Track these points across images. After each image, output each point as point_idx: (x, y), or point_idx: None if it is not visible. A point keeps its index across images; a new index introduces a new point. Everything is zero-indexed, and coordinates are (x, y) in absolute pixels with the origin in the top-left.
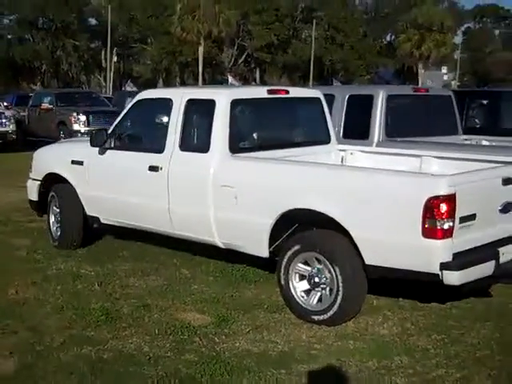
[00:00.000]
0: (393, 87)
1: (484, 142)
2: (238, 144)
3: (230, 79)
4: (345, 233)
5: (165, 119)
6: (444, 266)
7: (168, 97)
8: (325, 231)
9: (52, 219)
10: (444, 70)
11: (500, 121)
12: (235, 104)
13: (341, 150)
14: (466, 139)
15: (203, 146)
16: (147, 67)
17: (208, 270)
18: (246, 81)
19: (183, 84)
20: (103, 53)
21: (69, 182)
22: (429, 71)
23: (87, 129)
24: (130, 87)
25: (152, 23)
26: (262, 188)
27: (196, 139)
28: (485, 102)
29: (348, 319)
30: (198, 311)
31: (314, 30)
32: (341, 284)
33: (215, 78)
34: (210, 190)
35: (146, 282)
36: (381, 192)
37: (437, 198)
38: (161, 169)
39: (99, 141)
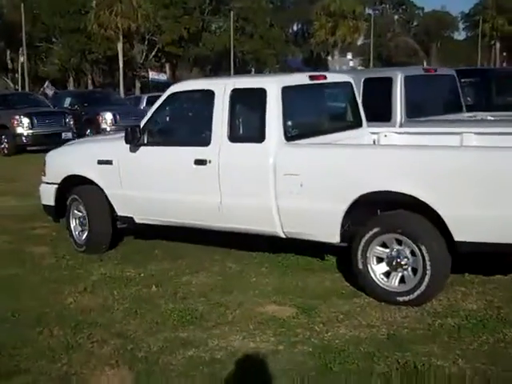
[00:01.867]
0: (406, 69)
1: (489, 118)
2: (291, 131)
3: (151, 74)
4: (427, 212)
5: (207, 111)
6: None
7: (208, 88)
8: (406, 212)
9: (73, 224)
10: (349, 56)
11: (490, 97)
12: (285, 91)
13: (373, 133)
14: (471, 116)
15: (257, 136)
16: (54, 67)
17: (253, 261)
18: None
19: (95, 83)
20: (8, 53)
21: (95, 183)
22: (336, 58)
23: (31, 131)
24: (49, 89)
25: (57, 21)
26: (332, 174)
27: (247, 129)
28: (474, 80)
29: (432, 298)
30: (276, 303)
31: (232, 20)
32: (428, 263)
33: (127, 75)
34: (270, 179)
35: (200, 279)
36: (472, 168)
37: None
38: (209, 162)
39: (134, 137)
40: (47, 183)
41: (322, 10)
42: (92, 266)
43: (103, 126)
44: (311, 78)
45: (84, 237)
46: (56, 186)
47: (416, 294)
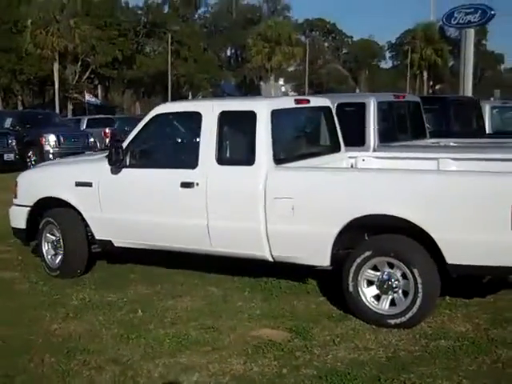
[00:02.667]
0: (378, 95)
1: (452, 144)
2: (279, 155)
3: (88, 96)
4: (420, 236)
5: (193, 133)
6: None
7: (195, 110)
8: (398, 236)
9: (46, 247)
10: (281, 81)
11: (448, 124)
12: (274, 114)
13: (350, 157)
14: (434, 142)
15: (246, 159)
16: None
17: (234, 285)
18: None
19: (24, 104)
20: None
21: (71, 206)
22: (270, 83)
23: None
24: None
25: None
26: (325, 197)
27: (236, 152)
28: (433, 107)
29: (423, 320)
30: (268, 327)
31: (169, 43)
32: (420, 286)
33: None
34: (260, 202)
35: (185, 303)
36: (467, 193)
37: None
38: (197, 184)
39: (117, 159)
40: (18, 205)
41: (258, 35)
42: (69, 291)
43: (46, 147)
44: (296, 101)
45: (58, 261)
46: (28, 208)
47: (408, 316)
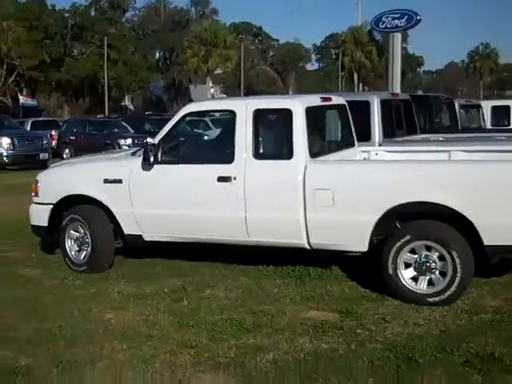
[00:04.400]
0: (380, 93)
1: (440, 138)
2: (313, 149)
3: (22, 99)
4: (456, 221)
5: (228, 130)
6: None
7: (228, 108)
8: (435, 221)
9: (69, 244)
10: (210, 83)
11: (431, 121)
12: (307, 111)
13: (363, 151)
14: (425, 138)
15: (284, 154)
16: None
17: (263, 274)
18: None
19: None
20: None
21: (97, 202)
22: (197, 85)
23: None
24: None
25: None
26: (365, 188)
27: (273, 147)
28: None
29: (459, 298)
30: (316, 309)
31: (105, 48)
32: (459, 266)
33: None
34: (299, 194)
35: (222, 292)
36: (499, 179)
37: None
38: (234, 178)
39: (152, 156)
40: (40, 203)
41: (194, 38)
42: (104, 285)
43: (0, 150)
44: (322, 99)
45: (83, 256)
46: (51, 206)
47: (447, 294)
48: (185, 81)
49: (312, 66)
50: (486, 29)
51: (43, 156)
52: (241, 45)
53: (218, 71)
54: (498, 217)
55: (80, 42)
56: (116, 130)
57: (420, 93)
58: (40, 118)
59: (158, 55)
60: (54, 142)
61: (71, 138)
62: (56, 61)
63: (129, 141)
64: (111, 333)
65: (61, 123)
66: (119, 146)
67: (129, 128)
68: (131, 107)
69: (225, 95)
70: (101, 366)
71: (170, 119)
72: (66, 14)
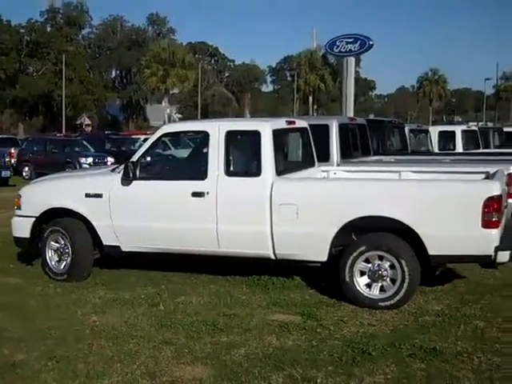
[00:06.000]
0: (338, 117)
1: (392, 160)
2: (279, 167)
3: None
4: (405, 233)
5: (202, 149)
6: (498, 249)
7: (202, 129)
8: (387, 233)
9: (49, 254)
10: (164, 103)
11: (384, 144)
12: (274, 133)
13: (323, 171)
14: (378, 159)
15: (253, 171)
16: None
17: (230, 283)
18: None
19: None
20: None
21: (77, 215)
22: (153, 105)
23: None
24: None
25: None
26: (325, 202)
27: (243, 165)
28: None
29: (407, 302)
30: (280, 313)
31: (64, 66)
32: (407, 274)
33: None
34: (266, 208)
35: (196, 299)
36: (447, 196)
37: (492, 197)
38: (207, 193)
39: (133, 173)
40: (22, 216)
41: (152, 57)
42: (85, 292)
43: None
44: (287, 122)
45: (63, 266)
46: (33, 218)
47: (396, 299)
48: (141, 100)
49: (267, 87)
50: (435, 55)
51: (5, 174)
52: (198, 65)
53: (175, 91)
54: (440, 229)
55: (36, 58)
56: (77, 148)
57: (372, 117)
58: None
59: (114, 74)
60: (13, 160)
61: (31, 156)
62: (10, 77)
63: (90, 159)
64: (97, 333)
65: (19, 141)
66: (80, 165)
67: (89, 147)
68: (88, 128)
69: (180, 115)
70: (92, 360)
71: (129, 139)
72: (22, 30)
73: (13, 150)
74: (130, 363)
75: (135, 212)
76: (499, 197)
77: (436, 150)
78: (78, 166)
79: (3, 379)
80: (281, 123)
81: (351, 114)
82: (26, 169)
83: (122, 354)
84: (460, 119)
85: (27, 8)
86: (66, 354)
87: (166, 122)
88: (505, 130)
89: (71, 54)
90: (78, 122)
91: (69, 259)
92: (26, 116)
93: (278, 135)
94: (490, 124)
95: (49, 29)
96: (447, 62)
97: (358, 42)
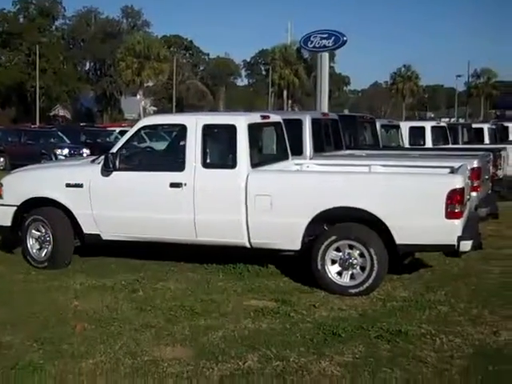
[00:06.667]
0: (312, 113)
1: (363, 154)
2: (254, 160)
3: None
4: (374, 223)
5: (180, 142)
6: (460, 238)
7: (180, 122)
8: (357, 224)
9: (30, 242)
10: (139, 95)
11: (355, 138)
12: (249, 127)
13: (296, 164)
14: (350, 153)
15: (229, 163)
16: None
17: (208, 271)
18: None
19: None
20: None
21: (59, 205)
22: (128, 97)
23: None
24: None
25: None
26: (298, 194)
27: (219, 158)
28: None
29: (376, 289)
30: (255, 299)
31: (37, 56)
32: (376, 262)
33: None
34: (241, 199)
35: (173, 285)
36: (413, 188)
37: (455, 190)
38: (185, 185)
39: (112, 163)
40: (3, 205)
41: (126, 50)
42: (65, 279)
43: None
44: (262, 117)
45: (44, 254)
46: (15, 207)
47: (365, 286)
48: (115, 92)
49: (242, 81)
50: (407, 52)
51: None
52: (173, 58)
53: (149, 84)
54: (406, 220)
55: (8, 49)
56: (52, 140)
57: (346, 112)
58: None
59: (88, 65)
60: None
61: (6, 146)
62: None
63: (65, 151)
64: (79, 316)
65: None
66: (56, 156)
67: (65, 138)
68: (68, 116)
69: (155, 108)
70: (75, 341)
71: (104, 131)
72: None
73: None
74: (112, 344)
75: (115, 202)
76: (462, 189)
77: (407, 145)
78: (53, 158)
79: None
80: (256, 117)
81: (325, 108)
82: (1, 159)
83: (105, 335)
84: (432, 115)
85: None
86: (51, 336)
87: (141, 114)
88: (473, 126)
89: (45, 44)
90: (51, 114)
91: (50, 247)
92: None
93: (253, 129)
94: (461, 120)
95: (21, 19)
96: (420, 58)
97: (332, 38)
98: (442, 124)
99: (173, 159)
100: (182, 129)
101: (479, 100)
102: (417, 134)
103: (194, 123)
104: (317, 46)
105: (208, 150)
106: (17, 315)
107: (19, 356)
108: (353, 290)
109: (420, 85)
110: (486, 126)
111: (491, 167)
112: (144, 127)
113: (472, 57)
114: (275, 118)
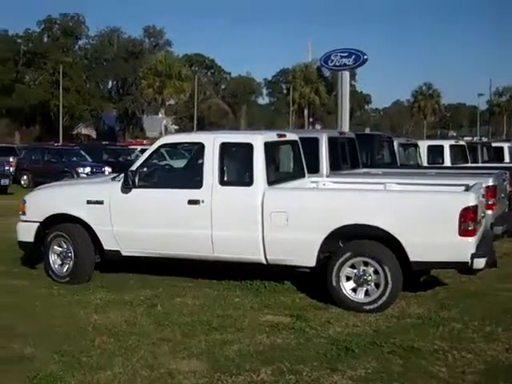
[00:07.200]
0: (328, 131)
1: (379, 172)
2: (270, 178)
3: None
4: (388, 241)
5: (197, 159)
6: (474, 256)
7: (198, 141)
8: (371, 241)
9: (52, 258)
10: (161, 114)
11: (372, 157)
12: (266, 145)
13: (312, 182)
14: (366, 171)
15: (246, 181)
16: None
17: (224, 287)
18: None
19: None
20: None
21: (80, 221)
22: (150, 116)
23: None
24: None
25: None
26: (313, 211)
27: (236, 175)
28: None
29: (390, 306)
30: (271, 314)
31: (61, 76)
32: (390, 279)
33: None
34: (258, 215)
35: (191, 301)
36: (426, 206)
37: (468, 208)
38: (202, 201)
39: (132, 181)
40: (27, 221)
41: (148, 69)
42: (86, 293)
43: None
44: (278, 135)
45: (65, 269)
46: (37, 223)
47: (380, 302)
48: (137, 111)
49: (263, 99)
50: (429, 70)
51: (4, 182)
52: (195, 77)
53: (171, 102)
54: (420, 237)
55: (32, 68)
56: (74, 158)
57: (367, 130)
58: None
59: (110, 84)
60: (11, 169)
61: (29, 165)
62: (6, 87)
63: (87, 169)
64: (98, 330)
65: (18, 150)
66: (78, 175)
67: (87, 157)
68: (92, 135)
69: (177, 126)
70: (94, 354)
71: (126, 149)
72: (19, 40)
73: (11, 159)
74: (130, 357)
75: (134, 218)
76: (475, 207)
77: (425, 163)
78: (75, 176)
79: (13, 370)
80: (272, 136)
81: (347, 127)
82: (25, 177)
83: (123, 349)
84: (454, 134)
85: (24, 17)
86: (71, 349)
87: (163, 132)
88: (493, 145)
89: (68, 64)
90: (74, 132)
91: (71, 263)
92: (22, 125)
93: (270, 147)
94: (484, 139)
95: (46, 39)
96: (441, 76)
97: (353, 57)
98: (461, 143)
99: (191, 177)
100: (200, 147)
101: (502, 118)
102: (435, 153)
103: (212, 141)
104: (337, 64)
105: (225, 168)
106: (38, 328)
107: (40, 367)
108: (367, 307)
109: (442, 103)
110: (506, 145)
111: (508, 185)
112: (163, 145)
113: (494, 75)
114: (292, 136)
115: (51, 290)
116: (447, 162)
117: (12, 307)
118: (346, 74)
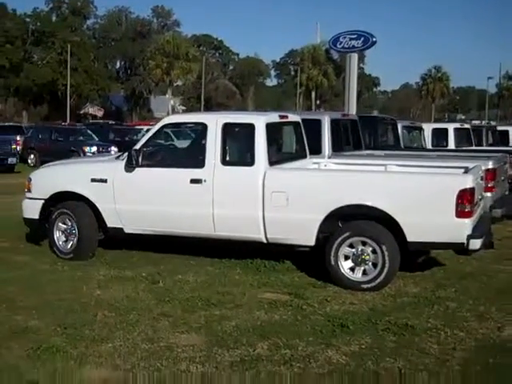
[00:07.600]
0: (330, 113)
1: (382, 154)
2: (271, 158)
3: None
4: (386, 221)
5: (200, 139)
6: (470, 237)
7: (201, 121)
8: (369, 221)
9: (57, 235)
10: (168, 95)
11: (376, 139)
12: (268, 126)
13: (314, 163)
14: (369, 153)
15: (247, 161)
16: None
17: (226, 265)
18: None
19: None
20: None
21: (84, 199)
22: (157, 96)
23: None
24: None
25: None
26: (313, 191)
27: (238, 155)
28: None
29: (387, 285)
30: (270, 292)
31: (69, 55)
32: (387, 259)
33: None
34: (259, 195)
35: (192, 277)
36: (424, 187)
37: (465, 190)
38: (204, 181)
39: (135, 160)
40: (32, 198)
41: (156, 49)
42: (89, 270)
43: None
44: (280, 117)
45: (69, 246)
46: (42, 201)
47: (377, 281)
48: (145, 91)
49: (271, 81)
50: (438, 52)
51: (11, 161)
52: (202, 58)
53: (178, 83)
54: (418, 218)
55: (40, 47)
56: (81, 137)
57: (375, 113)
58: (3, 124)
59: (118, 64)
60: (18, 148)
61: (36, 144)
62: (15, 66)
63: (94, 148)
64: (101, 305)
65: (25, 129)
66: (84, 154)
67: (93, 136)
68: (99, 114)
69: (184, 107)
70: (96, 327)
71: (133, 129)
72: (27, 19)
73: (18, 138)
74: (131, 331)
75: (137, 196)
76: (472, 189)
77: (429, 146)
78: (82, 155)
79: (17, 341)
80: (274, 117)
81: (354, 109)
82: (32, 156)
83: (124, 323)
84: (463, 117)
85: None
86: (73, 322)
87: (170, 113)
88: (498, 128)
89: (76, 43)
90: (81, 112)
91: (75, 239)
92: (29, 104)
93: (271, 128)
94: (493, 123)
95: (54, 18)
96: (450, 59)
97: (362, 39)
98: (466, 126)
99: (194, 156)
100: (203, 127)
101: (511, 102)
102: (440, 136)
103: (215, 122)
104: (346, 46)
105: (227, 148)
106: (43, 302)
107: (43, 339)
108: (365, 286)
109: (451, 86)
110: (511, 129)
111: (509, 168)
112: (166, 125)
113: (504, 58)
114: (294, 117)
115: (55, 265)
116: (451, 144)
117: (17, 281)
118: (355, 56)
